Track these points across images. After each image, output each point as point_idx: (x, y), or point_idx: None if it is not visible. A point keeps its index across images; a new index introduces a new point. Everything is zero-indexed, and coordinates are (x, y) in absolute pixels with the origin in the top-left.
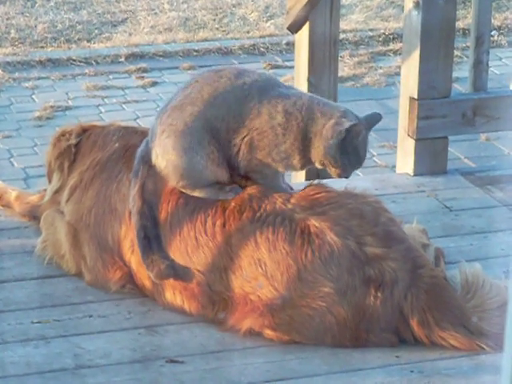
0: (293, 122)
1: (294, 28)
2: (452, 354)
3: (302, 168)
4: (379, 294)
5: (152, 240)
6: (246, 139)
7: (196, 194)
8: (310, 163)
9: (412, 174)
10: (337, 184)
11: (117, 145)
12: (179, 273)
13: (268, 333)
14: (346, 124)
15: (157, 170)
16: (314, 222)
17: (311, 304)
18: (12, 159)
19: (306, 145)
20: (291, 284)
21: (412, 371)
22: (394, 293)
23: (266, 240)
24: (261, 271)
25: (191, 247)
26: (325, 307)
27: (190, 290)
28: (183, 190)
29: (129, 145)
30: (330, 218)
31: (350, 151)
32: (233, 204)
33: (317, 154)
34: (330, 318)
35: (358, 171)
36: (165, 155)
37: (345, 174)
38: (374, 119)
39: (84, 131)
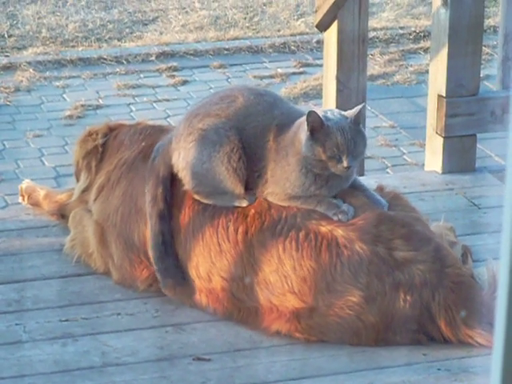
0: (292, 151)
1: (323, 26)
2: (479, 352)
3: (324, 187)
4: (408, 298)
5: (168, 246)
6: (261, 172)
7: (210, 201)
8: (324, 178)
9: (440, 172)
10: (366, 182)
11: (143, 144)
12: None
13: (295, 334)
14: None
15: (174, 170)
16: (342, 233)
17: (339, 313)
18: (43, 158)
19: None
20: (319, 296)
21: (439, 369)
22: (423, 294)
23: (289, 257)
24: (287, 288)
25: (214, 253)
26: (354, 315)
27: (214, 294)
28: (196, 196)
29: (155, 144)
30: (358, 227)
31: (321, 139)
32: (253, 211)
33: (308, 162)
34: (358, 324)
35: (388, 169)
36: (187, 158)
37: (335, 164)
38: (358, 112)
39: (111, 130)
